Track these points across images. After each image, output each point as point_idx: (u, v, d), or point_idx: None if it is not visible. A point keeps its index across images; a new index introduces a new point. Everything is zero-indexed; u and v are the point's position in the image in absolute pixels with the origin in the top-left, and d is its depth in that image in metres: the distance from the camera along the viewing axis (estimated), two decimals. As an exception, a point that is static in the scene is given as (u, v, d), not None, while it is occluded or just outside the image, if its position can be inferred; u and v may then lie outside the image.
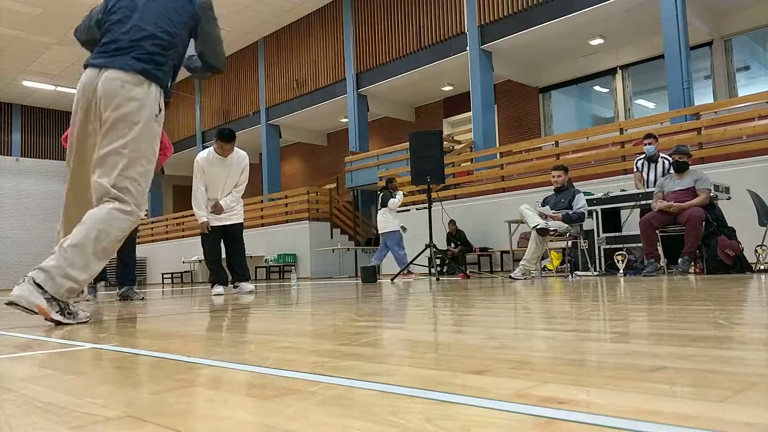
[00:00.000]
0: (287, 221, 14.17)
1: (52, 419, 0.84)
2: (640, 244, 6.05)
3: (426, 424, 0.73)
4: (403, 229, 9.02)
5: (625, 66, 12.20)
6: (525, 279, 6.09)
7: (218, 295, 5.36)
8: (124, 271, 5.19)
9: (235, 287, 5.79)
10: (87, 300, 4.69)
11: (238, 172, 5.83)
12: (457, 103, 14.50)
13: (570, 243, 6.84)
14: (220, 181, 5.74)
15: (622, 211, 7.08)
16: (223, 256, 5.88)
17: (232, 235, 5.87)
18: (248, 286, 5.76)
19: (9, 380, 1.20)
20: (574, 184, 7.00)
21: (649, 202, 6.18)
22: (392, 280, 7.42)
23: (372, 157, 13.08)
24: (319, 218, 14.07)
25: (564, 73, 12.92)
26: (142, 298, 5.21)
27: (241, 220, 5.92)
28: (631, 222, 6.90)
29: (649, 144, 6.78)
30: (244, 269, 5.94)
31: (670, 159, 6.60)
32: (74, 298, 2.54)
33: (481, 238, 10.23)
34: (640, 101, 12.47)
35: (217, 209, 5.72)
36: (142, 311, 3.45)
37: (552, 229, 6.25)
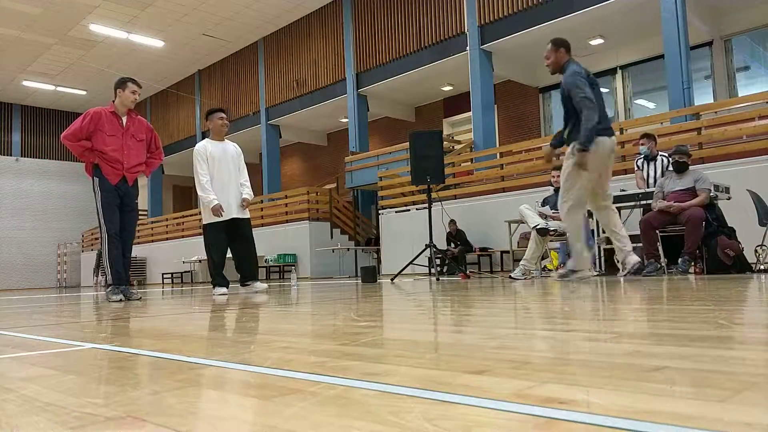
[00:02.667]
0: (287, 221, 14.17)
1: (52, 419, 0.84)
2: (640, 244, 6.05)
3: (426, 424, 0.73)
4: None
5: (625, 66, 12.20)
6: (525, 279, 6.09)
7: (222, 294, 5.30)
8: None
9: (244, 285, 5.69)
10: (120, 301, 4.69)
11: (237, 159, 5.76)
12: (457, 103, 14.50)
13: (570, 243, 6.84)
14: (224, 166, 5.59)
15: (622, 211, 7.07)
16: (228, 255, 5.75)
17: (243, 230, 5.71)
18: (261, 285, 5.67)
19: (9, 380, 1.20)
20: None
21: (650, 201, 6.19)
22: (392, 280, 7.42)
23: (372, 157, 13.08)
24: (319, 218, 14.06)
25: (564, 73, 12.90)
26: (140, 297, 5.12)
27: (249, 216, 5.82)
28: (631, 222, 6.90)
29: (642, 144, 6.86)
30: (256, 268, 5.87)
31: (668, 156, 6.64)
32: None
33: (481, 238, 10.23)
34: (640, 101, 12.47)
35: (245, 203, 5.67)
36: (142, 311, 3.45)
37: (552, 229, 6.25)
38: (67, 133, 4.87)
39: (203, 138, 6.29)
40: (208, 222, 5.56)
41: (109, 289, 4.91)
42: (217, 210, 5.44)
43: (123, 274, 4.93)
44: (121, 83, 5.02)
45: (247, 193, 5.74)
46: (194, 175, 5.56)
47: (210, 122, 5.75)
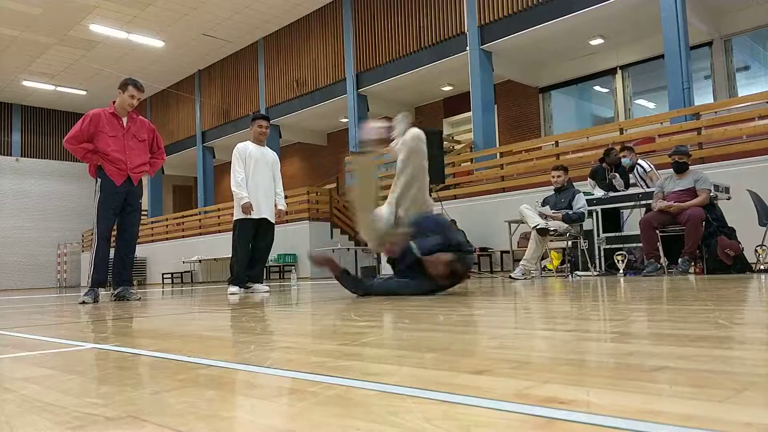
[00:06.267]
0: (287, 221, 14.17)
1: (52, 419, 0.84)
2: (640, 244, 6.05)
3: (426, 424, 0.73)
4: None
5: (625, 66, 12.20)
6: (525, 279, 6.09)
7: (234, 294, 5.34)
8: (122, 271, 5.05)
9: (248, 288, 5.73)
10: (83, 303, 4.59)
11: (273, 165, 5.97)
12: (457, 103, 14.50)
13: (570, 243, 6.84)
14: (259, 168, 5.77)
15: (622, 211, 7.08)
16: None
17: (267, 233, 5.85)
18: (263, 287, 5.75)
19: (9, 380, 1.20)
20: (574, 184, 7.02)
21: (650, 202, 6.19)
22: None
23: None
24: (319, 218, 14.05)
25: (564, 73, 12.91)
26: (139, 298, 5.06)
27: (274, 222, 5.93)
28: (631, 222, 6.90)
29: (625, 156, 7.09)
30: (263, 270, 5.98)
31: (642, 163, 7.00)
32: None
33: (481, 238, 10.23)
34: (640, 101, 12.47)
35: (280, 216, 5.91)
36: (142, 311, 3.45)
37: (552, 229, 6.24)
38: (68, 137, 4.84)
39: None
40: (239, 218, 5.74)
41: (85, 291, 4.81)
42: (246, 208, 5.63)
43: (103, 278, 4.87)
44: (123, 85, 4.98)
45: (282, 204, 6.00)
46: (231, 173, 5.80)
47: (251, 127, 6.08)
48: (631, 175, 7.11)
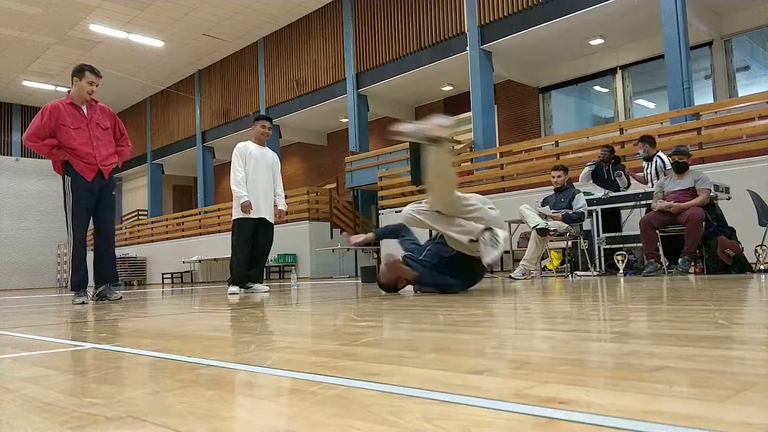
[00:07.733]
0: (287, 221, 14.17)
1: (52, 419, 0.84)
2: (640, 244, 6.05)
3: (426, 424, 0.73)
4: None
5: (625, 66, 12.19)
6: (525, 279, 6.09)
7: (233, 294, 5.33)
8: (104, 269, 4.75)
9: (247, 288, 5.71)
10: (83, 303, 4.55)
11: (273, 166, 5.99)
12: (457, 103, 14.49)
13: (570, 243, 6.84)
14: (259, 168, 5.78)
15: (622, 211, 7.08)
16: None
17: (266, 233, 5.83)
18: (263, 287, 5.74)
19: (9, 380, 1.20)
20: (574, 184, 7.01)
21: (650, 201, 6.19)
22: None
23: (372, 157, 13.07)
24: (319, 218, 14.05)
25: (564, 73, 12.91)
26: (120, 297, 4.81)
27: (274, 222, 5.91)
28: (631, 222, 6.90)
29: (641, 149, 7.00)
30: (262, 270, 5.97)
31: (663, 157, 6.74)
32: None
33: (481, 238, 10.21)
34: (640, 101, 12.47)
35: (280, 216, 5.92)
36: (142, 311, 3.45)
37: (552, 229, 6.24)
38: (28, 134, 4.50)
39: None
40: (237, 217, 5.73)
41: (73, 293, 4.62)
42: (246, 207, 5.62)
43: (84, 279, 4.62)
44: (79, 71, 4.65)
45: (283, 204, 5.99)
46: (231, 171, 5.81)
47: (253, 127, 6.09)
48: (645, 166, 6.99)
